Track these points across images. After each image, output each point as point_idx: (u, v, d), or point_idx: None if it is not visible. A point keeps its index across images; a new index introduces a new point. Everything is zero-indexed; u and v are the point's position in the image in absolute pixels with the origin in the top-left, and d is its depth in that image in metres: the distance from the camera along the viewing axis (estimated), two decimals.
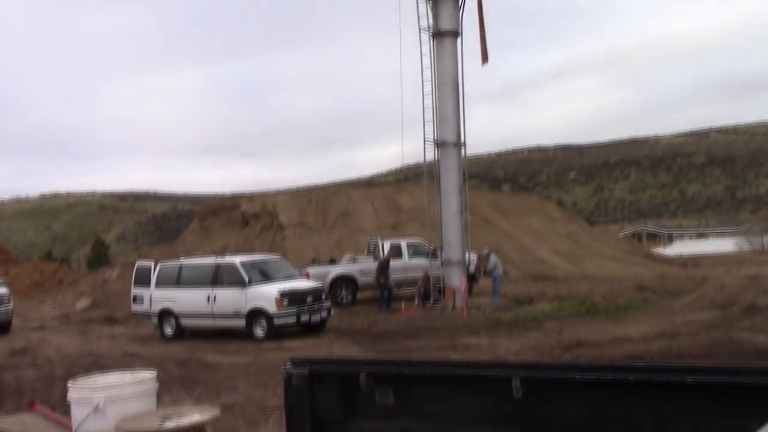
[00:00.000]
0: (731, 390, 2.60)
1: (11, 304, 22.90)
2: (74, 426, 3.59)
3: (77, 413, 3.57)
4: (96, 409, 3.47)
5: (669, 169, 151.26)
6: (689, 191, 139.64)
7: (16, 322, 24.27)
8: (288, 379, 4.06)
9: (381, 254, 24.74)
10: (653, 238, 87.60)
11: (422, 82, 22.65)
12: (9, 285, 27.71)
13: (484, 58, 23.01)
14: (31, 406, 6.29)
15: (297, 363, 4.01)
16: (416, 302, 22.76)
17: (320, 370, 3.95)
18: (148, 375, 3.76)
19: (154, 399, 3.72)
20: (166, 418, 3.38)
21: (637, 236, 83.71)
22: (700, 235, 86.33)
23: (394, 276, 23.27)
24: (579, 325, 16.79)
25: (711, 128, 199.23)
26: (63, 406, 4.19)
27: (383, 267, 22.74)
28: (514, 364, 3.24)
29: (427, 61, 22.54)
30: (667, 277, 29.77)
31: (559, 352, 12.99)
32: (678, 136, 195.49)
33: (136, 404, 3.58)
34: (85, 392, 3.60)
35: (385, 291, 22.72)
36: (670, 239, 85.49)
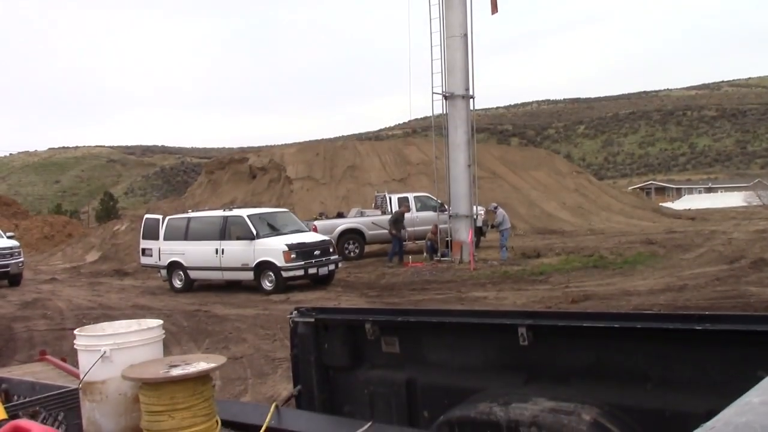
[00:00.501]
0: (740, 338, 2.58)
1: (22, 257, 23.09)
2: (81, 374, 3.61)
3: (84, 361, 3.58)
4: (103, 357, 3.48)
5: (679, 122, 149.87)
6: (699, 145, 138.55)
7: (26, 274, 24.52)
8: (294, 328, 4.07)
9: (389, 208, 24.75)
10: (662, 192, 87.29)
11: (430, 32, 22.35)
12: (19, 238, 27.89)
13: (494, 7, 22.62)
14: (41, 357, 6.35)
15: (303, 312, 4.01)
16: (424, 255, 22.83)
17: (326, 319, 3.95)
18: (155, 323, 3.76)
19: (160, 347, 3.73)
20: (172, 365, 3.39)
21: (646, 190, 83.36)
22: (709, 190, 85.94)
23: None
24: (586, 278, 16.81)
25: (722, 81, 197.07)
26: (73, 357, 4.21)
27: (396, 219, 22.78)
28: (520, 312, 3.22)
29: (435, 11, 22.20)
30: (675, 231, 29.71)
31: (566, 306, 13.02)
32: (689, 89, 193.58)
33: (142, 352, 3.59)
34: (92, 340, 3.61)
35: (397, 243, 22.81)
36: (678, 193, 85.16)
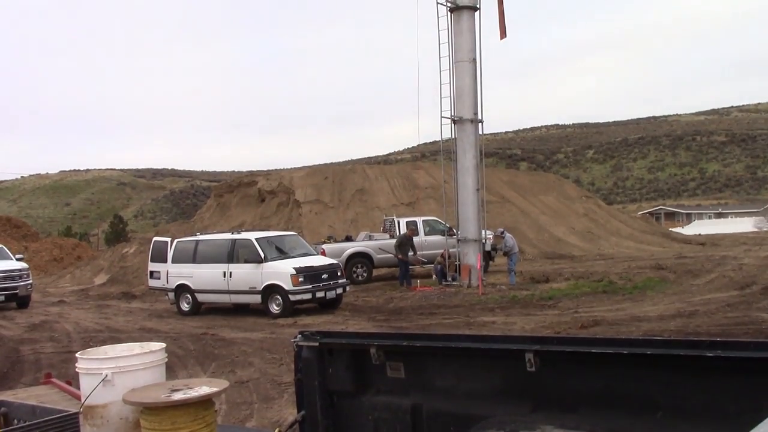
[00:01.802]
0: (753, 366, 2.51)
1: (30, 279, 23.11)
2: (82, 398, 3.57)
3: (85, 385, 3.55)
4: (104, 381, 3.44)
5: (688, 148, 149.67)
6: (709, 170, 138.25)
7: (35, 296, 24.54)
8: (298, 352, 4.02)
9: (397, 232, 24.70)
10: (672, 217, 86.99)
11: (439, 57, 22.41)
12: (28, 260, 27.97)
13: (502, 33, 22.72)
14: (46, 380, 6.32)
15: (307, 336, 3.96)
16: (433, 278, 22.71)
17: (331, 343, 3.90)
18: (157, 347, 3.73)
19: (163, 371, 3.69)
20: (174, 389, 3.34)
21: (656, 215, 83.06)
22: (719, 215, 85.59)
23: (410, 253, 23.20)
24: (595, 304, 16.69)
25: (732, 106, 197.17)
26: (78, 380, 4.17)
27: (401, 243, 22.74)
28: (527, 337, 3.16)
29: (444, 36, 22.30)
30: (685, 256, 29.53)
31: (575, 331, 12.90)
32: (698, 114, 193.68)
33: (144, 376, 3.56)
34: (94, 364, 3.58)
35: (404, 267, 22.78)
36: (688, 218, 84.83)
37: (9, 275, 21.97)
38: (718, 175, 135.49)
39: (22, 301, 22.40)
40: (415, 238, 23.80)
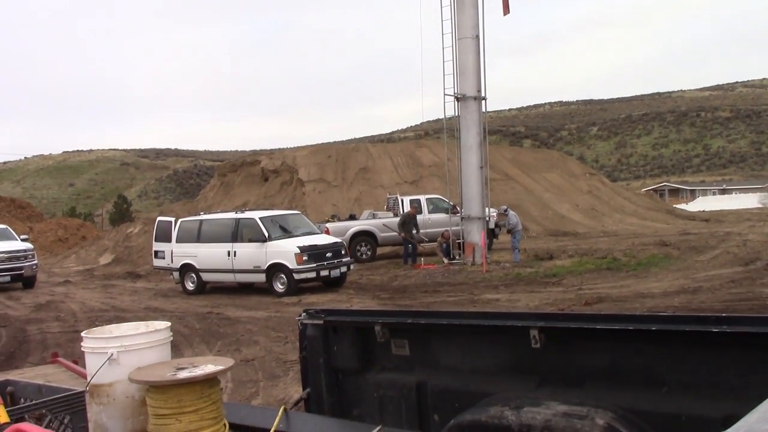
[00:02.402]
0: (758, 341, 2.51)
1: (36, 259, 23.20)
2: (88, 377, 3.58)
3: (91, 364, 3.56)
4: (110, 360, 3.45)
5: (693, 124, 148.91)
6: (713, 146, 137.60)
7: (40, 276, 24.64)
8: (303, 330, 4.03)
9: (401, 210, 24.69)
10: (676, 193, 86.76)
11: (442, 34, 22.28)
12: (33, 241, 28.05)
13: (506, 9, 22.53)
14: (53, 359, 6.36)
15: (312, 314, 3.97)
16: (443, 258, 22.68)
17: (335, 321, 3.91)
18: (162, 325, 3.73)
19: (168, 349, 3.70)
20: (179, 368, 3.35)
21: (660, 192, 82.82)
22: (723, 191, 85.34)
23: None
24: (599, 280, 16.69)
25: (737, 82, 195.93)
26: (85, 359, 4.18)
27: (404, 221, 22.74)
28: (532, 314, 3.16)
29: (447, 12, 22.14)
30: (690, 232, 29.48)
31: (579, 308, 12.91)
32: (703, 89, 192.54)
33: (150, 355, 3.57)
34: (99, 343, 3.59)
35: (408, 246, 22.79)
36: (692, 195, 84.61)
37: (14, 256, 22.07)
38: (722, 151, 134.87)
39: (27, 282, 22.52)
40: (418, 216, 23.79)
